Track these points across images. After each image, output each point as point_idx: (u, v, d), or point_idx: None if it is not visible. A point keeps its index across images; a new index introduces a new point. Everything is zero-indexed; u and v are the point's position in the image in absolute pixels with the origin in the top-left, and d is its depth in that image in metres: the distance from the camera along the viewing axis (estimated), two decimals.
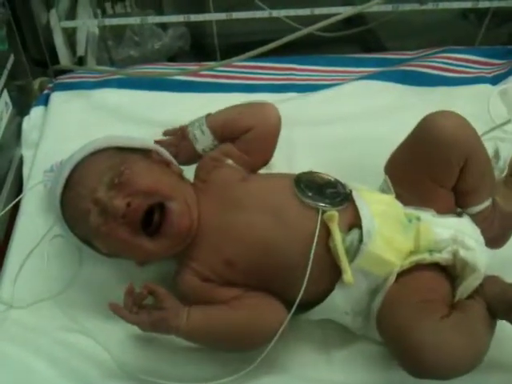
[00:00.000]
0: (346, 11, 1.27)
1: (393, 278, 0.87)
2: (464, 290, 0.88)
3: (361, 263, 0.86)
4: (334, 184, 0.94)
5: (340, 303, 0.88)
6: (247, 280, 0.91)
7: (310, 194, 0.90)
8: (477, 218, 0.93)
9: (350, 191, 0.93)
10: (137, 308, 0.86)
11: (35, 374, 0.89)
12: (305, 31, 1.21)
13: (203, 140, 1.01)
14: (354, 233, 0.87)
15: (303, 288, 0.85)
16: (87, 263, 1.02)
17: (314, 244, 0.86)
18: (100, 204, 0.88)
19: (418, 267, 0.88)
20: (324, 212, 0.88)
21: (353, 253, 0.86)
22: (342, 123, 1.24)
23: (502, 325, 0.86)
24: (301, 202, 0.90)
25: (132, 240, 0.88)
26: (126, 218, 0.87)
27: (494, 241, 0.96)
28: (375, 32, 1.70)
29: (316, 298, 0.89)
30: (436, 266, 0.89)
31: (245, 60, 1.31)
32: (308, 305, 0.90)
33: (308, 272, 0.85)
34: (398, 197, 0.93)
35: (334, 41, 1.60)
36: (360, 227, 0.87)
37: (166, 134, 1.08)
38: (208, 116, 1.03)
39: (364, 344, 0.93)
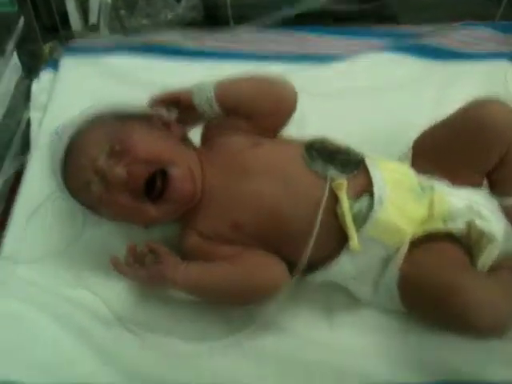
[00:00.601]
0: None
1: (405, 247, 0.86)
2: (485, 262, 0.86)
3: (370, 231, 0.85)
4: (346, 151, 0.93)
5: (347, 268, 0.87)
6: (251, 244, 0.90)
7: (320, 161, 0.90)
8: (508, 211, 0.92)
9: (362, 158, 0.91)
10: (137, 265, 0.86)
11: (39, 329, 0.89)
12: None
13: (211, 112, 0.97)
14: (364, 200, 0.86)
15: (308, 251, 0.84)
16: (91, 222, 1.02)
17: (321, 210, 0.85)
18: (101, 173, 0.87)
19: (432, 238, 0.87)
20: (333, 180, 0.87)
21: (361, 220, 0.85)
22: (354, 95, 1.21)
23: None
24: (310, 169, 0.89)
25: (135, 206, 0.88)
26: (127, 186, 0.86)
27: None
28: (390, 7, 1.66)
29: (322, 261, 0.88)
30: (450, 238, 0.88)
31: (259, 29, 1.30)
32: (313, 267, 0.89)
33: (314, 237, 0.84)
34: (416, 167, 0.93)
35: (349, 15, 1.57)
36: (371, 194, 0.85)
37: (156, 102, 0.99)
38: (216, 88, 0.95)
39: (368, 311, 0.92)
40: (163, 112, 0.97)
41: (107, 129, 0.91)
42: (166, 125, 0.97)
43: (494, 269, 0.87)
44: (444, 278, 0.81)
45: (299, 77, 1.19)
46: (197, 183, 0.91)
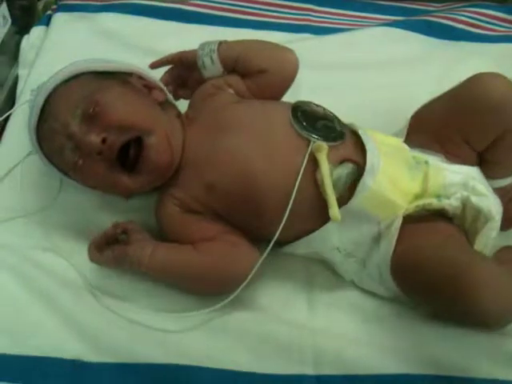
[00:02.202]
0: None
1: (398, 222, 0.82)
2: (483, 243, 0.82)
3: (362, 202, 0.81)
4: (332, 119, 0.89)
5: (332, 237, 0.84)
6: (227, 209, 0.86)
7: (304, 123, 0.85)
8: (495, 192, 0.88)
9: (347, 130, 0.88)
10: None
11: (2, 290, 0.86)
12: None
13: (212, 69, 0.94)
14: (345, 167, 0.82)
15: (284, 219, 0.80)
16: (67, 186, 0.98)
17: (301, 173, 0.81)
18: (74, 139, 0.83)
19: (425, 217, 0.84)
20: (314, 143, 0.83)
21: (341, 188, 0.81)
22: (355, 69, 1.17)
23: None
24: (293, 129, 0.85)
25: (109, 176, 0.85)
26: (101, 155, 0.82)
27: (506, 221, 0.89)
28: None
29: (304, 235, 0.84)
30: (444, 218, 0.84)
31: None
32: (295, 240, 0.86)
33: (291, 202, 0.80)
34: (409, 142, 0.89)
35: None
36: (353, 162, 0.82)
37: (157, 64, 0.99)
38: (221, 44, 0.94)
39: (350, 291, 0.89)
40: (146, 75, 0.94)
41: (82, 89, 0.86)
42: (148, 87, 0.93)
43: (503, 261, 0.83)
44: (448, 255, 0.77)
45: (300, 47, 1.16)
46: (174, 152, 0.87)
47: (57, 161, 0.90)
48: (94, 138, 0.82)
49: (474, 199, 0.82)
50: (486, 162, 0.89)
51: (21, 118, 1.06)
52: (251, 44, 0.96)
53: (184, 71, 0.99)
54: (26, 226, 0.94)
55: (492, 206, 0.83)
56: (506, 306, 0.73)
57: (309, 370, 0.82)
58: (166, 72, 1.00)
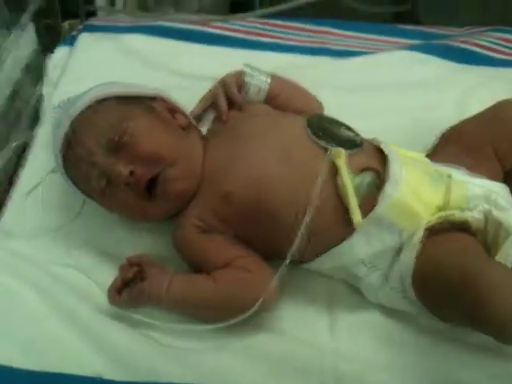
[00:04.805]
0: None
1: (420, 233, 0.81)
2: (504, 258, 0.80)
3: (384, 211, 0.81)
4: (347, 129, 0.91)
5: (358, 249, 0.83)
6: (244, 222, 0.86)
7: (320, 133, 0.87)
8: None
9: (364, 140, 0.89)
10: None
11: (20, 301, 0.87)
12: None
13: (254, 96, 0.99)
14: (366, 175, 0.82)
15: (303, 227, 0.80)
16: (90, 203, 0.98)
17: (320, 178, 0.81)
18: (100, 167, 0.85)
19: (448, 228, 0.83)
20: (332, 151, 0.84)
21: (363, 195, 0.81)
22: (376, 91, 1.17)
23: None
24: (309, 139, 0.86)
25: (135, 204, 0.87)
26: (129, 186, 0.84)
27: None
28: (418, 9, 1.61)
29: (322, 250, 0.84)
30: (467, 231, 0.83)
31: (278, 19, 1.29)
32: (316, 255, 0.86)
33: (309, 211, 0.80)
34: (435, 156, 0.91)
35: (378, 19, 1.53)
36: (374, 170, 0.83)
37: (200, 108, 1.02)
38: (273, 79, 0.99)
39: (372, 314, 0.88)
40: (169, 98, 0.97)
41: (107, 116, 0.88)
42: (171, 111, 0.94)
43: None
44: (465, 262, 0.76)
45: (320, 69, 1.17)
46: (195, 178, 0.89)
47: (82, 186, 0.92)
48: (122, 170, 0.84)
49: (495, 213, 0.82)
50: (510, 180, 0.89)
51: (45, 137, 1.08)
52: (293, 86, 1.03)
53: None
54: (48, 242, 0.95)
55: None
56: None
57: None
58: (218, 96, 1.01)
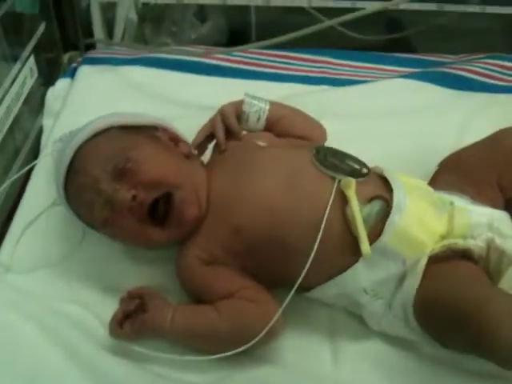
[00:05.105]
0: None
1: (424, 261, 0.81)
2: (507, 286, 0.80)
3: (389, 240, 0.81)
4: (354, 159, 0.90)
5: (361, 277, 0.83)
6: (252, 254, 0.85)
7: (327, 163, 0.87)
8: None
9: (371, 169, 0.89)
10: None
11: (22, 337, 0.85)
12: (327, 23, 1.16)
13: (254, 125, 0.98)
14: (374, 204, 0.82)
15: (311, 257, 0.79)
16: (90, 234, 0.98)
17: (328, 208, 0.81)
18: (104, 196, 0.84)
19: (451, 256, 0.83)
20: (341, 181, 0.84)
21: (371, 225, 0.81)
22: (375, 119, 1.18)
23: None
24: (318, 170, 0.86)
25: (139, 230, 0.86)
26: (132, 211, 0.84)
27: None
28: (414, 40, 1.64)
29: (328, 279, 0.84)
30: (469, 259, 0.83)
31: (277, 49, 1.30)
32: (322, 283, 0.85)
33: (317, 242, 0.80)
34: (436, 183, 0.91)
35: (373, 47, 1.55)
36: (382, 199, 0.82)
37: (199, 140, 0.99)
38: (271, 105, 0.99)
39: (375, 343, 0.87)
40: (171, 128, 0.97)
41: (111, 145, 0.88)
42: (174, 140, 0.95)
43: None
44: (470, 289, 0.76)
45: (320, 97, 1.19)
46: (201, 204, 0.88)
47: (85, 215, 0.91)
48: (126, 194, 0.83)
49: (498, 241, 0.82)
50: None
51: (45, 169, 1.09)
52: (294, 111, 1.02)
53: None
54: (49, 276, 0.94)
55: None
56: None
57: None
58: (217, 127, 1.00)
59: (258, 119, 0.97)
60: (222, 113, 0.99)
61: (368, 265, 0.82)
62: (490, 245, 0.82)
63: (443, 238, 0.84)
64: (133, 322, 0.83)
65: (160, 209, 0.85)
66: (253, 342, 0.79)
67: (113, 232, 0.89)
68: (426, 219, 0.83)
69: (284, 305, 0.80)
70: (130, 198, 0.83)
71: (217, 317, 0.83)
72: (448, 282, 0.80)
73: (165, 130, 0.95)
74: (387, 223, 0.81)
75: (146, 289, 0.87)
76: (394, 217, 0.81)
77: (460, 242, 0.82)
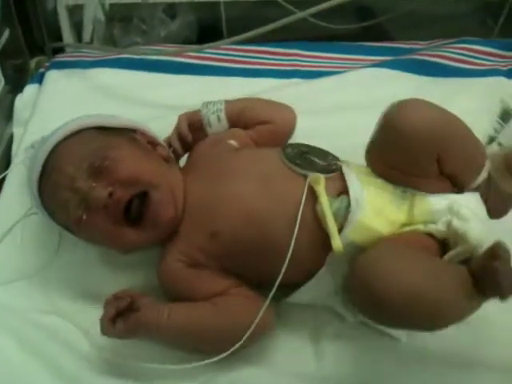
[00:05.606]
0: None
1: None
2: (452, 257, 0.80)
3: (350, 234, 0.80)
4: (325, 154, 0.90)
5: (328, 281, 0.82)
6: (232, 256, 0.85)
7: (298, 161, 0.86)
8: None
9: (339, 164, 0.88)
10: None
11: (3, 355, 0.84)
12: (299, 15, 1.14)
13: (217, 126, 0.97)
14: (343, 199, 0.81)
15: (288, 256, 0.79)
16: (66, 243, 0.97)
17: (301, 208, 0.81)
18: (79, 193, 0.83)
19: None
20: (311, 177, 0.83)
21: (341, 220, 0.80)
22: (347, 111, 1.18)
23: None
24: (288, 168, 0.86)
25: (113, 230, 0.84)
26: (107, 209, 0.82)
27: (494, 212, 0.87)
28: (385, 27, 1.63)
29: (306, 278, 0.83)
30: (429, 236, 0.82)
31: (248, 44, 1.29)
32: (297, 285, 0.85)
33: (293, 240, 0.80)
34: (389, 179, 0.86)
35: (345, 36, 1.55)
36: (347, 193, 0.82)
37: (175, 140, 0.98)
38: (227, 102, 0.98)
39: (358, 337, 0.87)
40: (149, 131, 0.96)
41: (86, 144, 0.86)
42: (152, 143, 0.94)
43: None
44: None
45: (290, 92, 1.18)
46: (178, 206, 0.87)
47: (60, 216, 0.88)
48: (101, 192, 0.82)
49: (455, 222, 0.80)
50: (450, 177, 0.85)
51: (16, 178, 1.07)
52: (253, 100, 1.02)
53: (190, 132, 0.99)
54: (27, 288, 0.93)
55: (471, 230, 0.79)
56: (397, 291, 0.67)
57: None
58: (171, 136, 1.00)
59: (219, 119, 0.97)
60: (177, 123, 0.99)
61: (332, 262, 0.81)
62: (448, 225, 0.81)
63: (404, 225, 0.82)
64: (126, 319, 0.80)
65: (134, 209, 0.84)
66: (245, 336, 0.78)
67: (87, 233, 0.87)
68: (384, 210, 0.81)
69: (268, 300, 0.80)
70: (106, 195, 0.81)
71: (213, 309, 0.83)
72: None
73: (143, 133, 0.94)
74: (349, 218, 0.80)
75: (131, 290, 0.85)
76: (354, 212, 0.80)
77: (421, 228, 0.81)
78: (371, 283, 0.68)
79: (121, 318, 0.80)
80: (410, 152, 0.80)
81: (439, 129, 0.78)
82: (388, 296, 0.67)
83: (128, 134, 0.92)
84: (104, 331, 0.80)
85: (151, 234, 0.86)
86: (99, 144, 0.86)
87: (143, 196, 0.84)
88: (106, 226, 0.83)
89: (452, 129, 0.80)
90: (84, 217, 0.83)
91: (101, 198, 0.81)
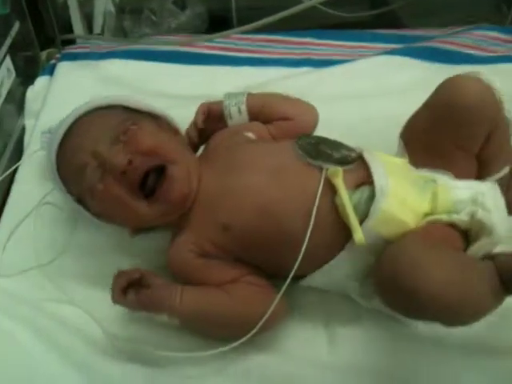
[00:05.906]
0: None
1: None
2: (475, 251, 0.80)
3: (374, 224, 0.79)
4: (339, 146, 0.89)
5: (346, 266, 0.82)
6: (244, 249, 0.85)
7: (313, 153, 0.85)
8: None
9: (358, 154, 0.87)
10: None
11: (17, 344, 0.84)
12: (309, 3, 1.13)
13: (238, 118, 0.97)
14: (364, 190, 0.81)
15: (303, 250, 0.79)
16: (79, 232, 0.97)
17: (317, 200, 0.80)
18: (99, 158, 0.83)
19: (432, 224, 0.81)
20: (328, 170, 0.83)
21: (361, 212, 0.79)
22: (358, 99, 1.17)
23: None
24: (303, 161, 0.85)
25: (127, 200, 0.84)
26: (124, 176, 0.82)
27: (509, 207, 0.87)
28: (397, 14, 1.61)
29: (320, 265, 0.83)
30: (452, 227, 0.81)
31: (258, 33, 1.28)
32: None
33: (309, 232, 0.79)
34: (414, 162, 0.88)
35: (356, 23, 1.53)
36: (370, 184, 0.81)
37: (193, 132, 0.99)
38: (249, 95, 0.97)
39: (370, 323, 0.86)
40: (173, 121, 0.97)
41: (114, 117, 0.88)
42: (173, 130, 0.95)
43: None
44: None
45: (302, 80, 1.17)
46: (192, 185, 0.87)
47: (75, 182, 0.88)
48: (121, 158, 0.82)
49: (480, 213, 0.80)
50: (481, 162, 0.87)
51: (29, 169, 1.08)
52: (276, 95, 1.00)
53: (209, 123, 0.99)
54: (40, 277, 0.93)
55: (496, 222, 0.79)
56: (425, 286, 0.67)
57: None
58: (190, 125, 1.00)
59: (240, 111, 0.96)
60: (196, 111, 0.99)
61: (352, 252, 0.80)
62: (472, 216, 0.81)
63: (427, 215, 0.82)
64: (137, 291, 0.81)
65: (150, 182, 0.84)
66: (259, 324, 0.78)
67: (100, 202, 0.87)
68: (408, 200, 0.81)
69: (283, 289, 0.80)
70: (125, 162, 0.82)
71: (226, 297, 0.83)
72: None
73: (167, 121, 0.95)
74: (372, 208, 0.79)
75: (142, 269, 0.84)
76: (379, 201, 0.79)
77: (444, 218, 0.81)
78: (399, 277, 0.68)
79: (132, 289, 0.81)
80: (468, 124, 0.82)
81: (496, 105, 0.82)
82: (415, 290, 0.67)
83: (153, 118, 0.93)
84: (115, 299, 0.81)
85: (162, 209, 0.85)
86: (125, 117, 0.88)
87: (160, 172, 0.84)
88: (120, 194, 0.83)
89: (502, 105, 0.84)
90: (100, 182, 0.84)
91: (120, 164, 0.82)
